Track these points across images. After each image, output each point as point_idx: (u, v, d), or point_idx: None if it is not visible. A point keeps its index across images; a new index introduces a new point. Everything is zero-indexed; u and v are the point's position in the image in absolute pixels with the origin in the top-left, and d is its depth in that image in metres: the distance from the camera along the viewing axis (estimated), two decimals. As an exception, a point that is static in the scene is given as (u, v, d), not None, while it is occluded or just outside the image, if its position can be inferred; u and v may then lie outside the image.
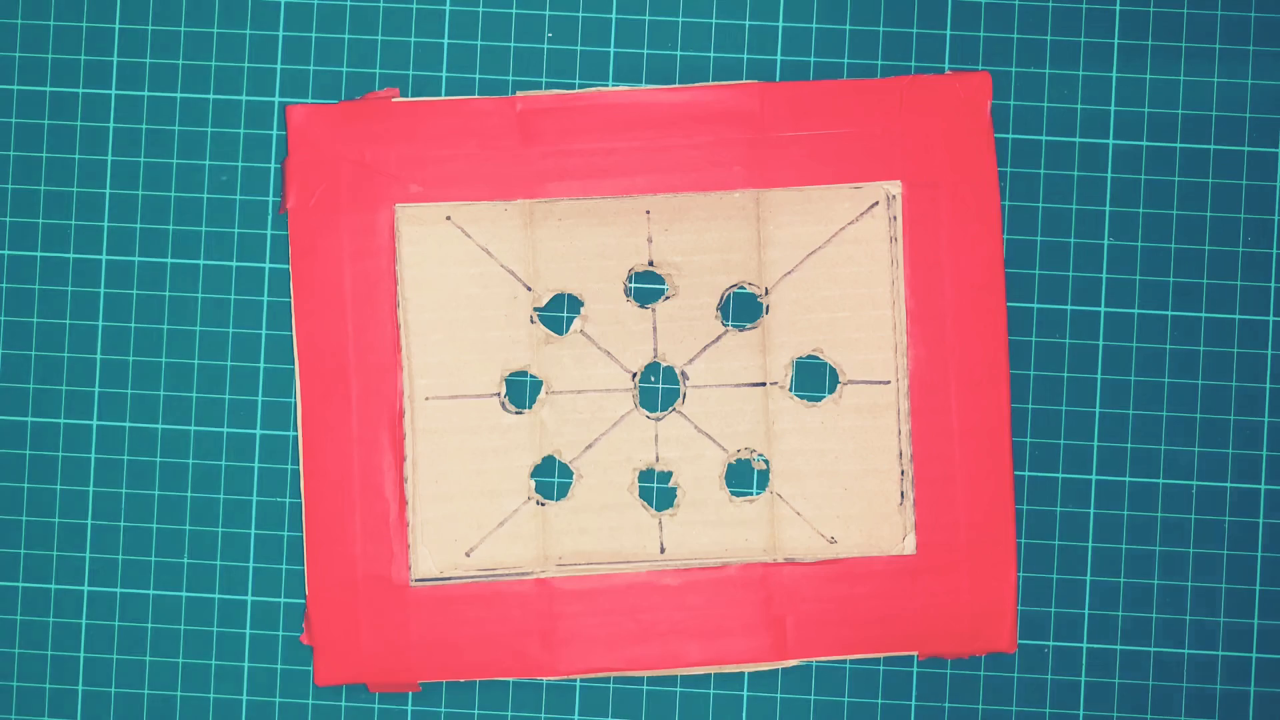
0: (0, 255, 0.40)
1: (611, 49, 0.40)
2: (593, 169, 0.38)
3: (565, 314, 0.39)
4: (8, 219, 0.40)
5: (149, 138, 0.40)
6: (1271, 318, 0.40)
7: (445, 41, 0.40)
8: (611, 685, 0.40)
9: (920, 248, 0.38)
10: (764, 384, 0.39)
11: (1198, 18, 0.40)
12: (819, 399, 0.39)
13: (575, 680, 0.39)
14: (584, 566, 0.39)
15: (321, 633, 0.38)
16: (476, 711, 0.39)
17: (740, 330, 0.39)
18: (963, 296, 0.38)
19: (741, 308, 0.39)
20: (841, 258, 0.39)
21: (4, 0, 0.40)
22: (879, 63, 0.40)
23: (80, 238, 0.40)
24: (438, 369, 0.38)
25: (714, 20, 0.40)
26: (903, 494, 0.39)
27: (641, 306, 0.39)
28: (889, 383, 0.39)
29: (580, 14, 0.40)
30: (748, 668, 0.39)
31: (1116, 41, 0.40)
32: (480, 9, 0.40)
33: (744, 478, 0.39)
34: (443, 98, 0.39)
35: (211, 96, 0.40)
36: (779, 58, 0.40)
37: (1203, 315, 0.40)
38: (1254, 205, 0.40)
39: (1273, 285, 0.40)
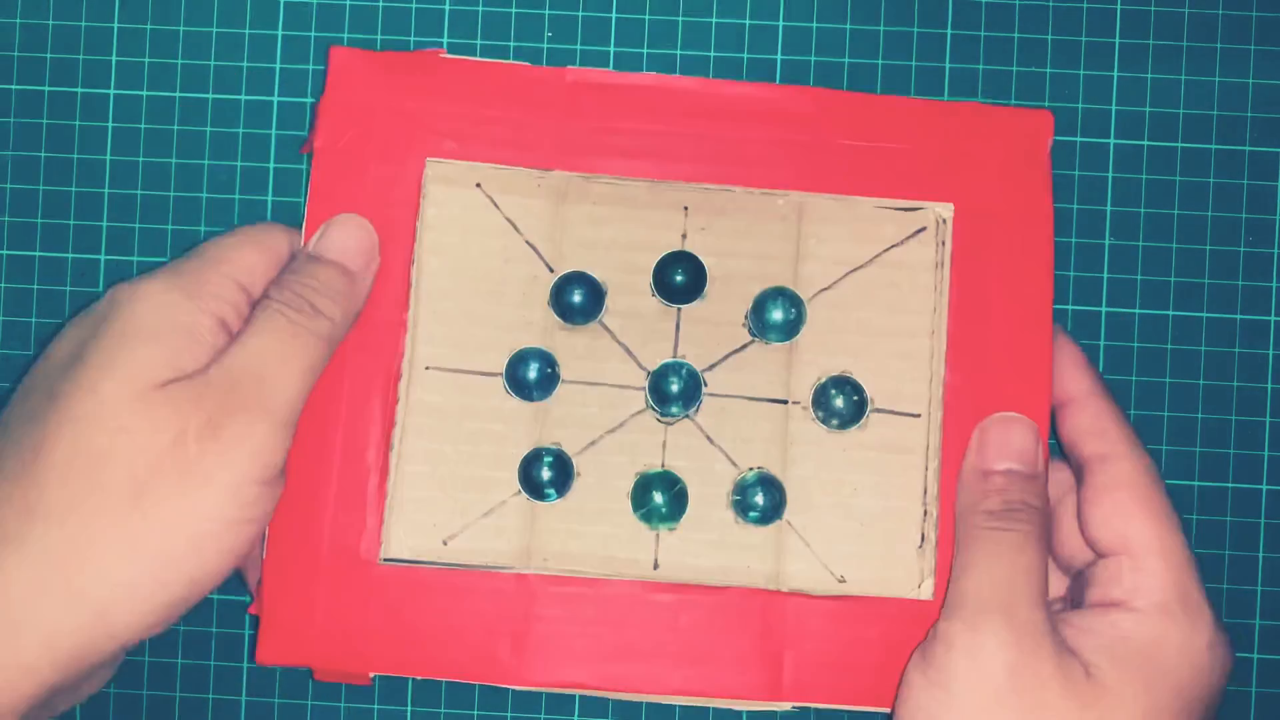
0: (-1, 255, 0.40)
1: (611, 49, 0.40)
2: (636, 149, 0.36)
3: (567, 313, 0.39)
4: (6, 218, 0.40)
5: (148, 137, 0.40)
6: (1273, 318, 0.40)
7: (445, 41, 0.40)
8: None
9: (968, 277, 0.36)
10: (785, 401, 0.36)
11: (1199, 17, 0.40)
12: (843, 426, 0.36)
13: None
14: (569, 570, 0.36)
15: (272, 604, 0.35)
16: (475, 712, 0.39)
17: (767, 342, 0.37)
18: (1007, 333, 0.36)
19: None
20: (883, 280, 0.37)
21: (3, 0, 0.40)
22: (879, 62, 0.40)
23: (79, 237, 0.40)
24: (443, 339, 0.36)
25: (714, 20, 0.40)
26: (923, 536, 0.36)
27: (667, 304, 0.37)
28: (919, 416, 0.36)
29: (580, 14, 0.40)
30: (735, 704, 0.35)
31: (1118, 41, 0.40)
32: (480, 9, 0.40)
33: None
34: (491, 60, 0.37)
35: (210, 96, 0.40)
36: (779, 57, 0.40)
37: (1204, 315, 0.40)
38: (1255, 205, 0.40)
39: (1274, 285, 0.40)
